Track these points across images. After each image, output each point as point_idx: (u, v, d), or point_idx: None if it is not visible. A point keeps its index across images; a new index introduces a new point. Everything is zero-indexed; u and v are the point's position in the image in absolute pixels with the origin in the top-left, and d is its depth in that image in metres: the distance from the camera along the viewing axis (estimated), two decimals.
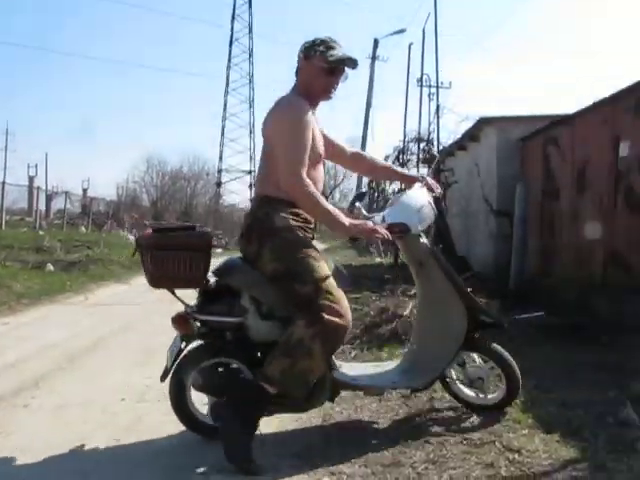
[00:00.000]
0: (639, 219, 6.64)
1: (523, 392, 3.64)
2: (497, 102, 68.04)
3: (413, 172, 4.61)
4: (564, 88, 68.62)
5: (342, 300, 3.06)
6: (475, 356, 3.52)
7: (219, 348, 3.20)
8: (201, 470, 2.97)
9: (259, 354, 3.18)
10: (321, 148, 3.24)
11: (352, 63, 3.21)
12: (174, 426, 3.39)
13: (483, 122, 10.84)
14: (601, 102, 7.56)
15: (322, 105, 3.34)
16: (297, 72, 3.26)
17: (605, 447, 3.01)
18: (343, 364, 3.44)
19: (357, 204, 3.43)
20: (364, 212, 3.53)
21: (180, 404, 3.25)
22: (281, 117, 3.13)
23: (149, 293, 4.00)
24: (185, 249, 3.03)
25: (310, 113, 3.14)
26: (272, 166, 3.12)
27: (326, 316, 2.96)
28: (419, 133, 17.81)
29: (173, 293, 3.22)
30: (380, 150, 65.45)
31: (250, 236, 3.14)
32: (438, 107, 18.34)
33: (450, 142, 14.39)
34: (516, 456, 2.98)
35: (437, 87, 20.05)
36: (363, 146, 31.62)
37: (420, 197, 3.40)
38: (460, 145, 12.52)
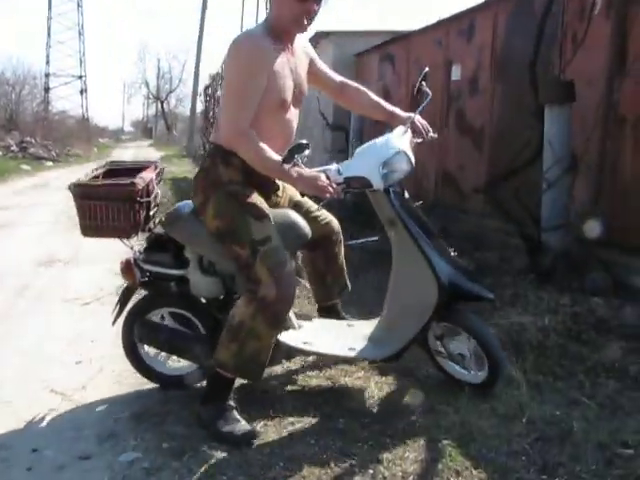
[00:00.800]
0: (468, 142, 6.87)
1: None
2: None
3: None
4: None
5: (282, 268, 2.70)
6: (459, 329, 3.01)
7: (164, 299, 3.13)
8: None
9: (204, 301, 3.14)
10: (286, 92, 2.79)
11: None
12: None
13: (319, 35, 10.68)
14: (436, 24, 7.62)
15: None
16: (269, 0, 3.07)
17: (435, 389, 3.12)
18: (305, 324, 3.24)
19: (296, 157, 2.59)
20: (302, 167, 2.76)
21: (133, 356, 3.23)
22: (227, 60, 2.74)
23: None
24: (110, 199, 2.97)
25: (263, 52, 2.68)
26: None
27: (262, 291, 2.68)
28: None
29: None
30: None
31: (196, 187, 2.91)
32: None
33: None
34: (352, 404, 3.03)
35: None
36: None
37: (393, 145, 2.82)
38: None
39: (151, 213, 3.18)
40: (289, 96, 2.82)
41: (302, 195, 3.15)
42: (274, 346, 2.84)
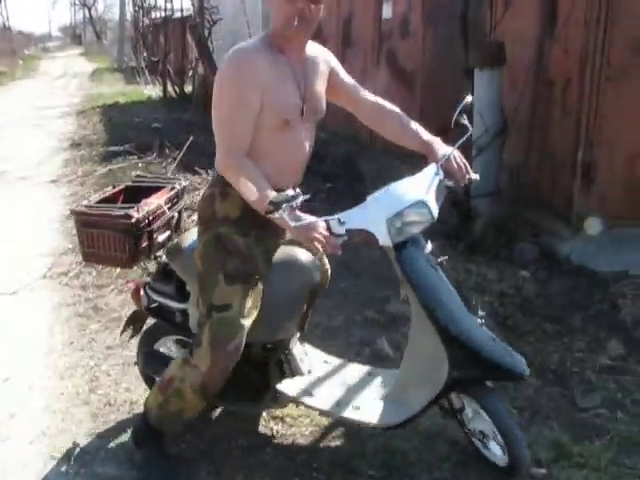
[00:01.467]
0: (399, 83, 6.69)
1: None
2: None
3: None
4: None
5: (224, 344, 2.37)
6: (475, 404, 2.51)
7: (169, 327, 2.93)
8: None
9: None
10: (289, 109, 2.35)
11: None
12: None
13: None
14: None
15: None
16: None
17: None
18: (317, 366, 2.79)
19: (284, 206, 2.05)
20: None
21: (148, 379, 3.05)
22: (216, 77, 2.35)
23: None
24: (105, 228, 2.81)
25: (255, 67, 2.26)
26: None
27: (197, 358, 2.42)
28: None
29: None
30: None
31: (198, 217, 2.55)
32: None
33: None
34: (280, 426, 2.97)
35: None
36: None
37: (411, 192, 2.29)
38: None
39: (161, 239, 2.92)
40: (293, 114, 2.36)
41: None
42: (276, 394, 2.69)
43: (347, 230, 2.24)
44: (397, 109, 2.58)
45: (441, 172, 2.38)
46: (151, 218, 2.82)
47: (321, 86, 2.48)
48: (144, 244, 2.83)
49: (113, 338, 3.75)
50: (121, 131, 10.30)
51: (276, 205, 2.03)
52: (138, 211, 2.75)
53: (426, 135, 2.50)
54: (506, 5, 4.81)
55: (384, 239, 2.28)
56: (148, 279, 2.95)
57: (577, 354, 3.49)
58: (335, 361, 2.90)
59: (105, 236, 2.81)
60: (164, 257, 2.87)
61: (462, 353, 2.32)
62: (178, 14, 16.04)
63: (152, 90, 16.16)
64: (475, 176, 2.45)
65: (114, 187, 3.19)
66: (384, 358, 3.41)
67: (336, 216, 2.23)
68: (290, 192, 2.03)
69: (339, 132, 7.87)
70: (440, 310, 2.33)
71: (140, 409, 2.83)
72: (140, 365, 3.03)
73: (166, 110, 12.68)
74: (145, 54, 20.88)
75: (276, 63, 2.31)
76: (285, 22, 2.25)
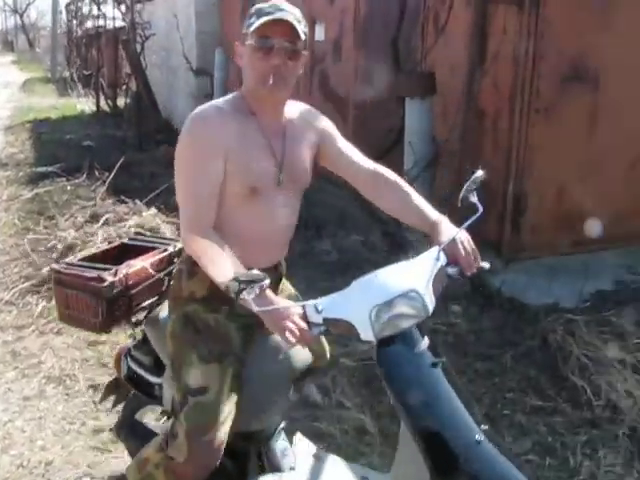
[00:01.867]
0: (332, 110, 6.60)
1: None
2: None
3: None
4: None
5: (202, 433, 2.07)
6: None
7: (149, 398, 2.66)
8: None
9: None
10: (258, 177, 2.07)
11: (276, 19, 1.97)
12: None
13: None
14: None
15: None
16: None
17: None
18: (303, 462, 2.39)
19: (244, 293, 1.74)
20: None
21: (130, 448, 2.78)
22: (177, 143, 2.09)
23: None
24: (78, 290, 2.60)
25: (218, 130, 2.02)
26: None
27: (172, 448, 2.13)
28: None
29: None
30: None
31: (169, 294, 2.36)
32: None
33: None
34: None
35: None
36: None
37: (402, 280, 1.88)
38: None
39: (146, 304, 2.67)
40: (265, 182, 2.09)
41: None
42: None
43: (325, 319, 1.85)
44: (399, 180, 2.23)
45: (443, 257, 2.02)
46: (131, 282, 2.56)
47: (305, 152, 2.20)
48: (122, 309, 2.58)
49: (31, 387, 3.55)
50: (51, 149, 9.98)
51: (235, 288, 1.70)
52: (115, 274, 2.52)
53: (431, 212, 2.14)
54: (437, 34, 4.78)
55: (366, 333, 1.85)
56: (131, 346, 2.72)
57: (508, 394, 3.45)
58: (326, 457, 2.48)
59: (78, 298, 2.60)
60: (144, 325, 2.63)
61: None
62: (112, 24, 15.70)
63: (85, 104, 15.78)
64: (485, 265, 2.05)
65: (109, 243, 2.99)
66: (312, 405, 3.31)
67: (313, 302, 1.86)
68: (255, 272, 1.73)
69: None
70: (427, 430, 1.84)
71: (56, 471, 2.67)
72: (120, 436, 2.79)
73: (99, 126, 12.36)
74: (78, 65, 20.43)
75: (244, 126, 2.07)
76: (259, 81, 2.01)
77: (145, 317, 2.61)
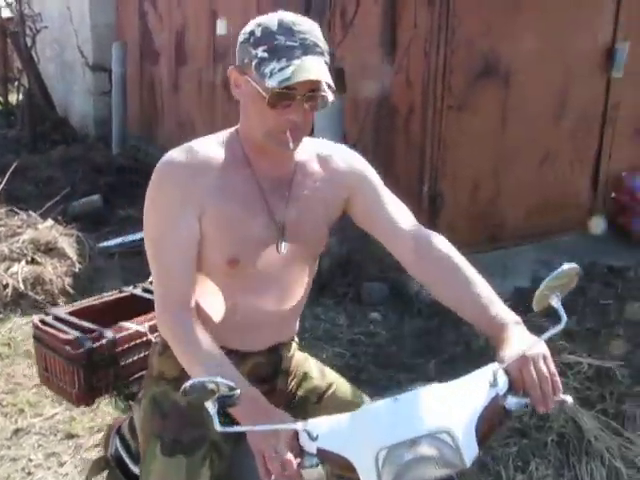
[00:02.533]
0: (235, 105, 6.34)
1: None
2: None
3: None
4: None
5: None
6: None
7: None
8: None
9: None
10: (244, 245, 1.59)
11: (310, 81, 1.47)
12: None
13: None
14: None
15: None
16: None
17: None
18: None
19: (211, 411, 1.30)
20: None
21: None
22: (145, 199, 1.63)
23: None
24: (58, 354, 2.17)
25: (193, 179, 1.56)
26: None
27: None
28: None
29: None
30: None
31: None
32: None
33: None
34: None
35: None
36: None
37: (436, 413, 1.27)
38: None
39: (140, 374, 2.16)
40: (256, 250, 1.61)
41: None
42: None
43: (319, 450, 1.38)
44: (455, 253, 1.63)
45: (504, 381, 1.37)
46: (121, 348, 2.16)
47: (321, 210, 1.68)
48: (108, 379, 2.18)
49: None
50: None
51: (195, 398, 1.27)
52: (99, 337, 2.13)
53: (497, 308, 1.52)
54: (345, 28, 4.60)
55: (369, 476, 1.32)
56: (124, 422, 2.28)
57: None
58: None
59: (56, 361, 2.19)
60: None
61: None
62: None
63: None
64: (568, 399, 1.39)
65: (120, 292, 2.43)
66: None
67: (309, 423, 1.37)
68: (220, 381, 1.26)
69: None
70: None
71: None
72: None
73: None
74: None
75: (232, 175, 1.59)
76: (269, 135, 1.54)
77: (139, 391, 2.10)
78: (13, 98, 13.11)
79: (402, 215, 1.70)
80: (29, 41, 10.22)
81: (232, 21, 6.31)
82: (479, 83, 4.32)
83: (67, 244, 4.71)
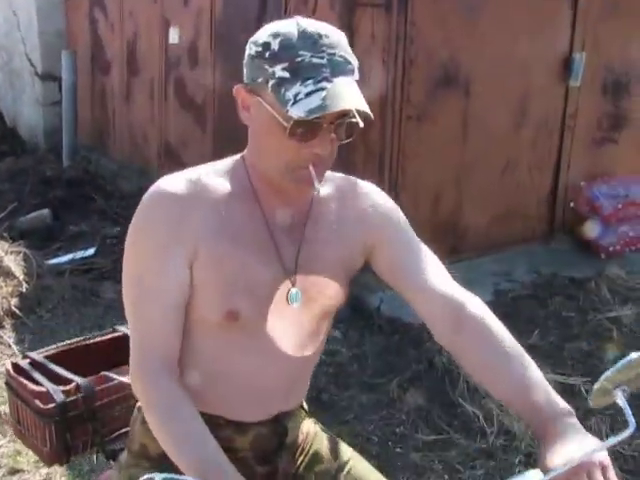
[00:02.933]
0: (188, 115, 6.19)
1: None
2: None
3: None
4: None
5: None
6: None
7: None
8: None
9: None
10: (246, 294, 1.32)
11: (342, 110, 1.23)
12: None
13: None
14: None
15: None
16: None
17: None
18: None
19: None
20: None
21: None
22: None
23: None
24: (28, 406, 1.86)
25: (176, 215, 1.30)
26: None
27: None
28: None
29: None
30: None
31: None
32: None
33: None
34: None
35: None
36: None
37: None
38: None
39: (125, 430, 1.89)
40: (260, 302, 1.34)
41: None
42: None
43: None
44: (496, 324, 1.36)
45: None
46: (100, 403, 1.91)
47: (340, 255, 1.43)
48: (85, 436, 1.93)
49: None
50: None
51: None
52: (76, 390, 1.87)
53: (547, 396, 1.23)
54: None
55: None
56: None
57: (398, 429, 3.21)
58: None
59: (27, 414, 1.92)
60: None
61: None
62: None
63: None
64: None
65: (114, 331, 2.13)
66: None
67: None
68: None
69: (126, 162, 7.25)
70: None
71: None
72: None
73: None
74: None
75: (236, 209, 1.34)
76: (287, 170, 1.28)
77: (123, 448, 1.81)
78: None
79: (434, 271, 1.44)
80: None
81: (184, 29, 6.15)
82: (439, 93, 4.25)
83: (13, 262, 4.49)
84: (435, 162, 4.35)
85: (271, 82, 1.22)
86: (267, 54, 1.24)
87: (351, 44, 4.10)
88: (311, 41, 1.22)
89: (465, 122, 4.41)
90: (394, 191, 4.25)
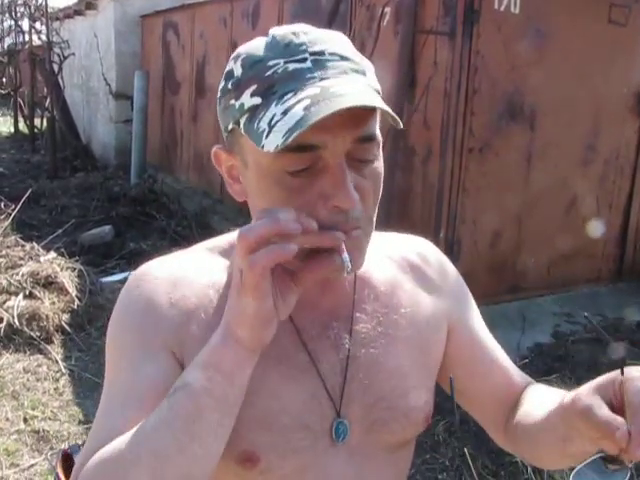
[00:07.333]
0: None
1: None
2: None
3: None
4: None
5: None
6: None
7: None
8: None
9: None
10: (254, 436, 0.90)
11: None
12: None
13: None
14: None
15: None
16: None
17: None
18: None
19: None
20: None
21: None
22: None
23: None
24: None
25: (159, 310, 0.91)
26: None
27: None
28: None
29: None
30: None
31: None
32: None
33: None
34: None
35: None
36: None
37: None
38: (77, 10, 10.87)
39: None
40: (288, 436, 0.90)
41: None
42: None
43: None
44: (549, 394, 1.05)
45: None
46: None
47: (413, 355, 1.00)
48: None
49: None
50: None
51: None
52: None
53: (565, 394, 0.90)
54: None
55: None
56: None
57: (440, 476, 3.05)
58: None
59: None
60: None
61: None
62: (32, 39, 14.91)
63: (3, 125, 15.01)
64: None
65: None
66: None
67: None
68: None
69: (191, 181, 7.30)
70: None
71: None
72: None
73: (16, 149, 11.73)
74: None
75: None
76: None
77: None
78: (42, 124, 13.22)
79: (506, 366, 1.10)
80: (56, 68, 10.22)
81: None
82: (502, 125, 4.09)
83: (68, 278, 4.53)
84: (497, 196, 4.18)
85: (242, 120, 0.83)
86: (230, 84, 0.85)
87: (413, 72, 3.95)
88: (283, 44, 0.82)
89: (529, 156, 4.24)
90: (452, 224, 4.11)
